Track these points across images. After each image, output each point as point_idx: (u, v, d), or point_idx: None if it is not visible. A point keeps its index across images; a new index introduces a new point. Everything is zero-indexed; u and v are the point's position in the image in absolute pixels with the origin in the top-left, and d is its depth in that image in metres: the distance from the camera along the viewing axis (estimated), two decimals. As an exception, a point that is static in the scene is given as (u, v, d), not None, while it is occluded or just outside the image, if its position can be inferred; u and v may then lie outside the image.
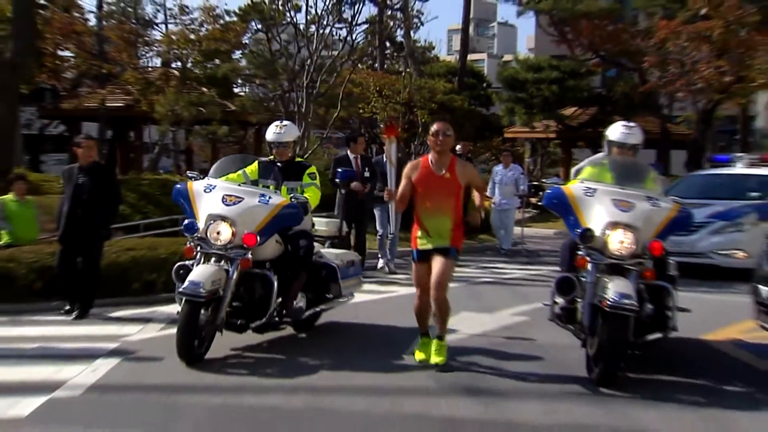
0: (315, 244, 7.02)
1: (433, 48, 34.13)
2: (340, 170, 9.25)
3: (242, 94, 27.17)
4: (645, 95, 23.88)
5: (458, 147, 12.62)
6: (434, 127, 6.09)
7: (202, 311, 5.99)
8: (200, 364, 5.96)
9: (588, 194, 5.93)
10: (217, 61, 23.34)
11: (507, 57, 55.96)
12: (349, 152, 11.23)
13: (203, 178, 6.70)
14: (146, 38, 23.61)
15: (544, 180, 10.73)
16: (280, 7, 20.84)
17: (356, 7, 21.02)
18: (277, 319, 6.52)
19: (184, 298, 5.91)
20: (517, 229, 14.91)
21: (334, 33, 21.61)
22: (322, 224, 7.76)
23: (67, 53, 22.89)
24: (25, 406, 5.00)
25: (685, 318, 6.12)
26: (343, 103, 20.44)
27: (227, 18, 23.19)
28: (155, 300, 8.54)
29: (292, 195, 6.61)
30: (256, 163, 7.04)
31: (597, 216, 5.78)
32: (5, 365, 6.05)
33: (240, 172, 6.86)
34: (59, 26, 20.90)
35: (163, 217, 12.66)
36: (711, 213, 11.49)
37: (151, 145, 25.27)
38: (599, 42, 24.25)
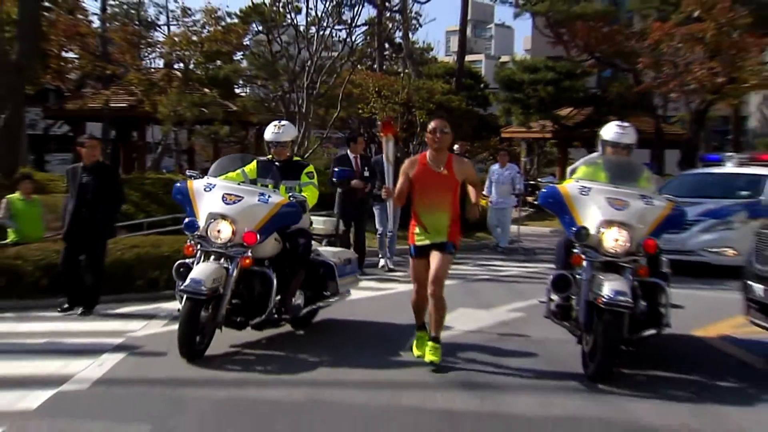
0: (312, 242, 7.08)
1: (432, 49, 34.39)
2: (336, 170, 9.33)
3: (243, 94, 27.36)
4: (639, 96, 24.03)
5: (456, 147, 12.73)
6: (432, 125, 6.11)
7: (203, 309, 6.04)
8: (201, 360, 6.02)
9: (583, 193, 5.98)
10: (218, 62, 23.54)
11: (504, 58, 56.12)
12: (349, 152, 11.34)
13: (203, 177, 6.74)
14: (149, 40, 23.80)
15: (540, 179, 10.81)
16: (281, 9, 20.99)
17: (356, 9, 21.20)
18: (276, 316, 6.55)
19: (185, 296, 5.93)
20: (513, 228, 15.01)
21: (334, 34, 21.82)
22: (319, 222, 7.81)
23: (71, 55, 23.06)
24: (34, 399, 5.09)
25: (678, 314, 6.19)
26: (343, 103, 20.57)
27: (229, 20, 23.37)
28: (159, 296, 8.64)
29: (290, 194, 6.66)
30: (254, 163, 7.08)
31: (592, 214, 5.83)
32: (14, 360, 6.14)
33: (239, 171, 6.89)
34: (64, 28, 21.03)
35: (166, 216, 12.77)
36: (702, 211, 11.59)
37: (153, 145, 25.34)
38: (594, 43, 24.39)
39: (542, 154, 34.23)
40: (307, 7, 19.94)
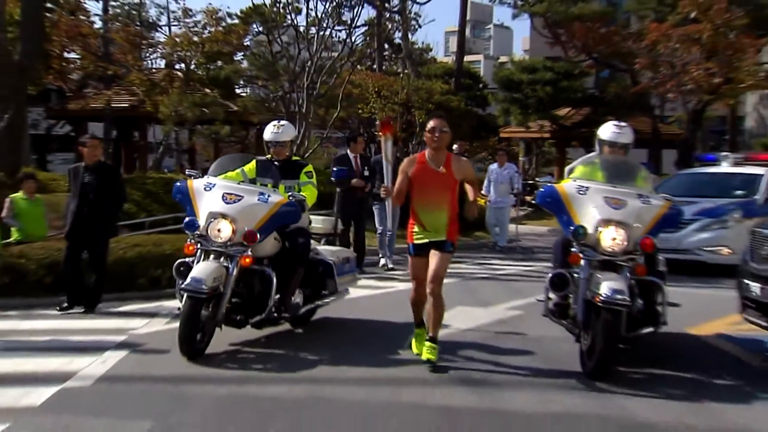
0: (311, 241, 7.11)
1: (431, 50, 34.49)
2: (335, 170, 9.39)
3: (244, 94, 27.43)
4: (637, 96, 24.09)
5: (455, 146, 12.80)
6: (431, 124, 6.12)
7: (203, 307, 6.07)
8: (202, 357, 6.05)
9: (581, 192, 6.00)
10: (219, 62, 23.62)
11: (503, 58, 56.18)
12: (349, 152, 11.40)
13: (203, 176, 6.76)
14: (150, 40, 23.87)
15: (538, 179, 10.87)
16: (281, 10, 21.07)
17: (355, 10, 21.29)
18: (275, 314, 6.58)
19: (186, 295, 5.95)
20: (512, 227, 15.08)
21: (334, 35, 21.93)
22: (317, 222, 7.84)
23: (73, 55, 23.08)
24: (38, 395, 5.14)
25: (674, 312, 6.22)
26: (343, 103, 20.64)
27: (229, 21, 23.41)
28: (161, 295, 8.69)
29: (289, 193, 6.70)
30: (254, 162, 7.10)
31: (590, 213, 5.85)
32: (18, 357, 6.18)
33: (238, 170, 6.90)
34: (66, 29, 21.07)
35: (168, 215, 12.83)
36: (697, 210, 11.64)
37: (155, 145, 25.40)
38: (592, 44, 24.46)
39: (540, 153, 34.32)
40: (307, 7, 20.06)
